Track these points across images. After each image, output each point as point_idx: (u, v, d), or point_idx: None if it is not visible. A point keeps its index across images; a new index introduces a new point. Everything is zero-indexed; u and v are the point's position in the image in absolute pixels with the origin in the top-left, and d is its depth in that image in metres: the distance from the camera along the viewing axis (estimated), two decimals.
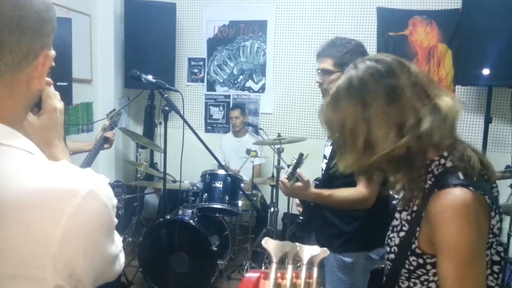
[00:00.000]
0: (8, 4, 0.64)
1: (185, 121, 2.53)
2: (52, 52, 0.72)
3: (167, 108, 2.62)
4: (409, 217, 1.14)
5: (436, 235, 1.01)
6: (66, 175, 0.66)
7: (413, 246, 1.10)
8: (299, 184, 1.89)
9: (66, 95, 2.61)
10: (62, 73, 2.43)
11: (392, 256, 1.18)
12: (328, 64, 1.94)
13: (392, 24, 4.17)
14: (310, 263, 0.76)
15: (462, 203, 0.98)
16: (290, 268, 0.75)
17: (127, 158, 4.78)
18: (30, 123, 0.79)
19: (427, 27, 4.10)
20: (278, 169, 3.45)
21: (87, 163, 2.62)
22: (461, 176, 1.03)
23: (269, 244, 0.79)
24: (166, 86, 2.58)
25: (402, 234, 1.15)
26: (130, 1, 4.47)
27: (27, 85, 0.70)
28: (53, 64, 0.72)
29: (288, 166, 1.91)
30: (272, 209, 3.57)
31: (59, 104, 0.83)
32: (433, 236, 1.03)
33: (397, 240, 1.17)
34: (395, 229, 1.20)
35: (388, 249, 1.21)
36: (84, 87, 4.23)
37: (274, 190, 3.65)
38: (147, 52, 4.38)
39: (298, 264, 0.76)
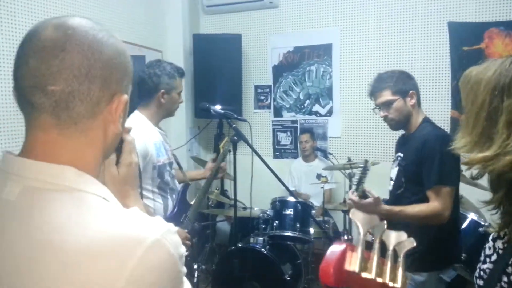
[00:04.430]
0: (77, 55, 0.66)
1: (253, 150, 2.55)
2: (125, 97, 0.73)
3: (235, 137, 2.66)
4: (505, 245, 1.04)
5: None
6: (133, 223, 0.65)
7: None
8: (370, 200, 1.94)
9: None
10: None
11: (481, 282, 1.08)
12: (387, 95, 2.07)
13: (465, 38, 3.95)
14: (395, 252, 0.72)
15: None
16: (377, 245, 0.72)
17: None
18: (111, 175, 0.82)
19: (506, 38, 3.84)
20: None
21: (203, 192, 2.73)
22: None
23: (357, 215, 0.76)
24: (234, 116, 2.63)
25: (491, 266, 1.05)
26: (198, 35, 4.68)
27: (104, 131, 0.72)
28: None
29: (350, 178, 1.96)
30: (346, 237, 3.46)
31: (135, 158, 0.85)
32: None
33: (488, 271, 1.06)
34: (487, 260, 1.09)
35: (479, 282, 1.10)
36: None
37: (347, 216, 3.53)
38: (215, 82, 4.52)
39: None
